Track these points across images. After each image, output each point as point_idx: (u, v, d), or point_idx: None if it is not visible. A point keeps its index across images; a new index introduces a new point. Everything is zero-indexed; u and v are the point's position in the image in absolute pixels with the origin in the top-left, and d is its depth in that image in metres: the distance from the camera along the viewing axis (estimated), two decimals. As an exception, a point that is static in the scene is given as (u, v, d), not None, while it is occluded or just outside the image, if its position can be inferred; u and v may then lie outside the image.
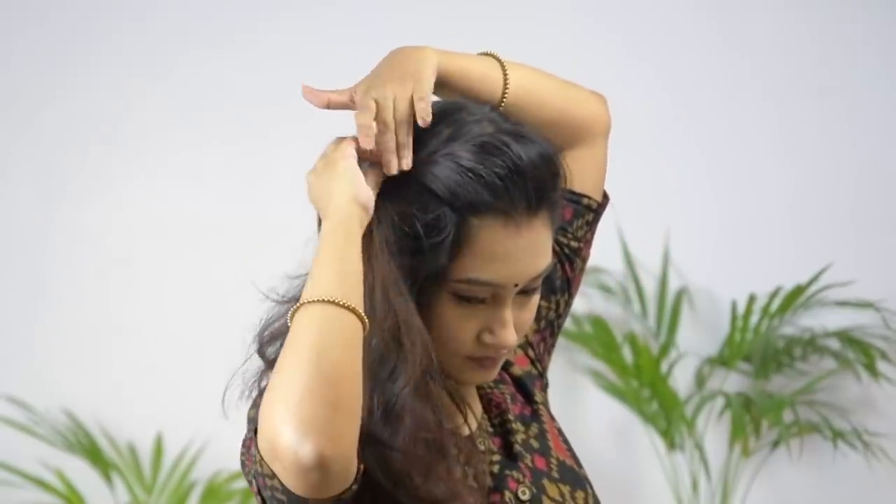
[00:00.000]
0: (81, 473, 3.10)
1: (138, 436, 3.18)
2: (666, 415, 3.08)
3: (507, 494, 1.32)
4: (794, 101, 3.17)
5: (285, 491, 1.15)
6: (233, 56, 3.19)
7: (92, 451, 3.08)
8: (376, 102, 1.26)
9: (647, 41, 3.19)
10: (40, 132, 3.18)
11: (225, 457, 3.14)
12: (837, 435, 2.93)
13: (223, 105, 3.18)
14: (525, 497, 1.32)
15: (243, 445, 1.26)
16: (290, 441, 1.12)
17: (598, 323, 3.12)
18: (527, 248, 1.27)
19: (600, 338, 3.10)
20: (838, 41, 3.17)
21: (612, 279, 3.21)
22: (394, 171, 1.26)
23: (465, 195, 1.24)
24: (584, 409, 3.22)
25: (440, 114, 1.28)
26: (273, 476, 1.15)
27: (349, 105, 1.30)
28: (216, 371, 3.52)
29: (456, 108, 1.30)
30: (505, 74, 1.35)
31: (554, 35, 3.14)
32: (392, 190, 1.27)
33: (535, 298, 1.32)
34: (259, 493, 1.21)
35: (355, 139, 1.27)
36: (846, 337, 3.03)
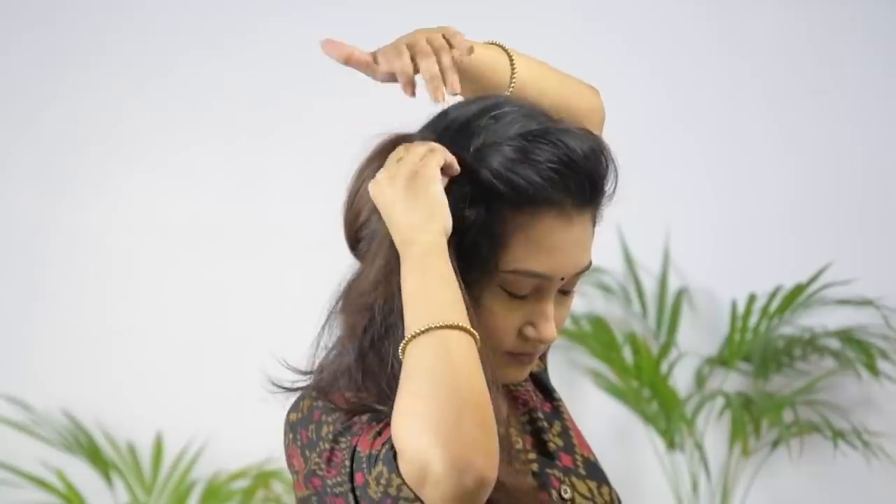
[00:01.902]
0: (81, 473, 3.10)
1: (138, 436, 3.18)
2: (666, 415, 3.08)
3: (553, 493, 1.32)
4: (794, 101, 3.17)
5: None
6: (233, 56, 3.19)
7: (92, 452, 3.08)
8: (407, 46, 1.27)
9: (647, 41, 3.19)
10: (40, 132, 3.18)
11: (225, 457, 3.14)
12: (837, 435, 2.92)
13: (223, 105, 3.18)
14: (567, 496, 1.33)
15: (320, 458, 1.25)
16: (448, 469, 1.12)
17: (598, 323, 3.12)
18: (575, 242, 1.27)
19: (600, 337, 3.10)
20: (838, 40, 3.17)
21: (612, 279, 3.21)
22: (441, 96, 1.25)
23: (519, 186, 1.24)
24: (584, 408, 3.21)
25: (480, 110, 1.28)
26: (415, 500, 1.16)
27: (370, 66, 1.31)
28: (216, 371, 3.54)
29: (495, 103, 1.29)
30: (512, 63, 1.36)
31: (554, 35, 3.14)
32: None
33: (572, 298, 1.33)
34: None
35: (436, 150, 1.25)
36: (846, 336, 3.03)
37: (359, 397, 1.26)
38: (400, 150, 1.27)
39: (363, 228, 1.31)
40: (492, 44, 1.38)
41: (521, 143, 1.25)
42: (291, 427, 1.29)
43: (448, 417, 1.13)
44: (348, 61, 1.32)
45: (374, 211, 1.29)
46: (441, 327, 1.18)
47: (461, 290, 1.22)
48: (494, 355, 1.28)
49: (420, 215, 1.22)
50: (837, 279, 3.08)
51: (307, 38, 3.28)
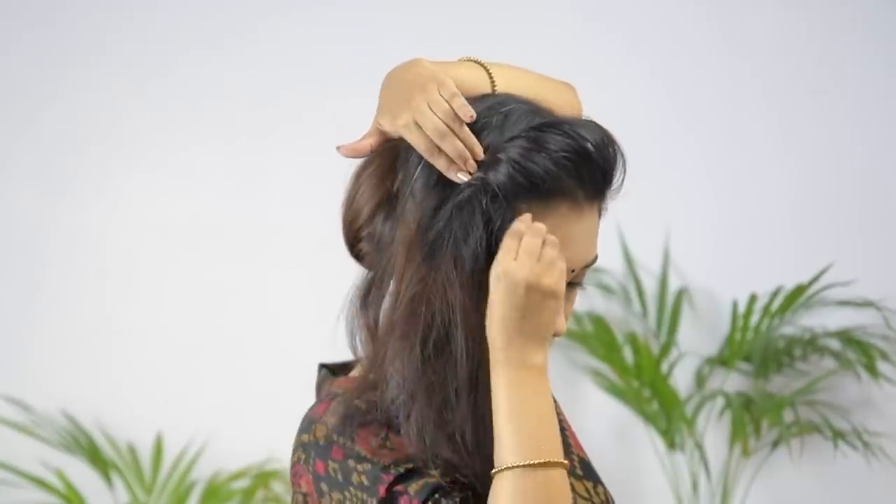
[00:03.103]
0: (81, 473, 3.11)
1: (138, 436, 3.18)
2: (666, 414, 3.08)
3: None
4: (795, 101, 3.17)
5: None
6: (232, 56, 3.19)
7: (92, 452, 3.08)
8: (415, 123, 1.26)
9: (647, 41, 3.19)
10: (40, 132, 3.18)
11: (225, 457, 3.14)
12: (837, 435, 2.92)
13: (223, 105, 3.18)
14: None
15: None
16: None
17: (599, 322, 3.12)
18: (585, 233, 1.29)
19: (600, 337, 3.10)
20: (838, 40, 3.17)
21: (612, 279, 3.21)
22: (472, 169, 1.25)
23: (535, 175, 1.25)
24: (584, 408, 3.21)
25: (488, 108, 1.29)
26: None
27: (386, 136, 1.31)
28: (216, 371, 3.53)
29: (500, 101, 1.31)
30: (490, 77, 1.36)
31: (554, 35, 3.14)
32: (452, 184, 1.27)
33: (577, 291, 1.34)
34: None
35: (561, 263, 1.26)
36: (846, 337, 3.03)
37: (388, 446, 1.26)
38: (533, 232, 1.25)
39: (363, 229, 1.31)
40: (466, 60, 1.38)
41: (535, 134, 1.26)
42: (303, 448, 1.30)
43: None
44: (371, 150, 1.32)
45: (377, 212, 1.30)
46: (552, 465, 1.21)
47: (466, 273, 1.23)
48: None
49: (542, 329, 1.23)
50: (838, 280, 3.08)
51: (307, 38, 3.31)
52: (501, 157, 1.26)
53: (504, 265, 1.23)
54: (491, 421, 1.24)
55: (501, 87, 1.36)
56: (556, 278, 1.24)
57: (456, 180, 1.26)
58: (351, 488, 1.25)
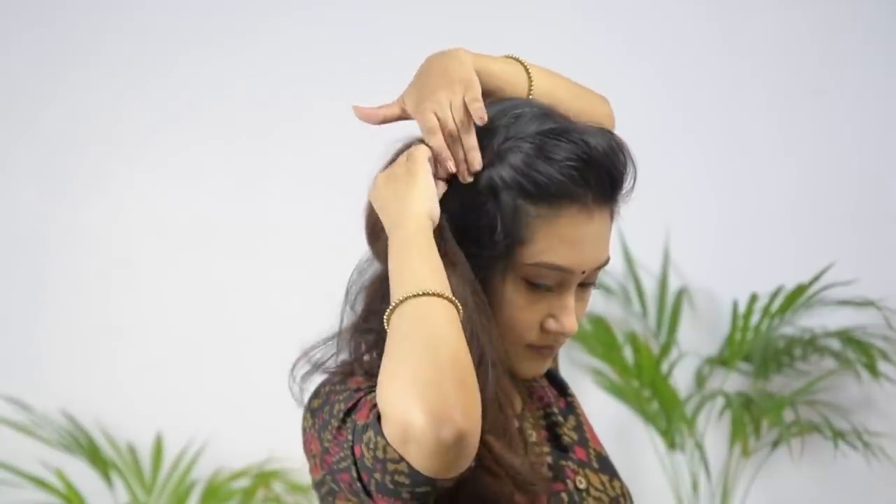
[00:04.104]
0: (81, 473, 3.10)
1: (138, 436, 3.18)
2: (666, 414, 3.08)
3: (569, 484, 1.38)
4: (795, 100, 3.17)
5: (412, 473, 1.18)
6: (232, 55, 3.19)
7: (92, 452, 3.08)
8: (436, 116, 1.31)
9: (647, 41, 3.19)
10: (40, 132, 3.18)
11: (225, 457, 3.14)
12: (838, 435, 2.92)
13: (223, 105, 3.18)
14: (582, 486, 1.39)
15: (331, 436, 1.28)
16: (427, 423, 1.15)
17: (599, 322, 3.12)
18: (596, 236, 1.31)
19: (601, 337, 3.10)
20: (838, 40, 3.17)
21: (612, 279, 3.21)
22: (468, 178, 1.31)
23: (540, 182, 1.28)
24: (584, 408, 3.21)
25: (500, 111, 1.33)
26: (399, 460, 1.18)
27: (403, 116, 1.36)
28: (216, 371, 3.53)
29: (514, 104, 1.34)
30: (529, 77, 1.40)
31: (554, 35, 3.14)
32: (461, 185, 1.31)
33: (591, 292, 1.37)
34: (354, 483, 1.25)
35: (422, 146, 1.32)
36: (846, 337, 3.03)
37: (370, 381, 1.30)
38: (402, 157, 1.33)
39: (382, 229, 1.34)
40: (509, 57, 1.42)
41: (540, 141, 1.29)
42: (312, 413, 1.33)
43: (426, 377, 1.17)
44: (384, 122, 1.39)
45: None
46: (417, 296, 1.22)
47: (467, 270, 1.28)
48: (516, 348, 1.34)
49: (406, 204, 1.28)
50: (838, 280, 3.08)
51: (307, 38, 3.31)
52: (507, 161, 1.29)
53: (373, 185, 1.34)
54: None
55: (537, 90, 1.39)
56: (400, 162, 1.32)
57: (456, 174, 1.31)
58: (332, 420, 1.28)
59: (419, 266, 1.24)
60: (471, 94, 1.31)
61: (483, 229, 1.29)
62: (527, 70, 1.40)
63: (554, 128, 1.30)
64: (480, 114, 1.29)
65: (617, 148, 1.31)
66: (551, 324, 1.33)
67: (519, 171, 1.28)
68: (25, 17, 3.17)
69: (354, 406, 1.26)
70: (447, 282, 1.25)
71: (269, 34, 3.19)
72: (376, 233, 1.35)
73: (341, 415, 1.27)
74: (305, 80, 3.16)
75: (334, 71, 3.14)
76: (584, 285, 1.35)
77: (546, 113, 1.32)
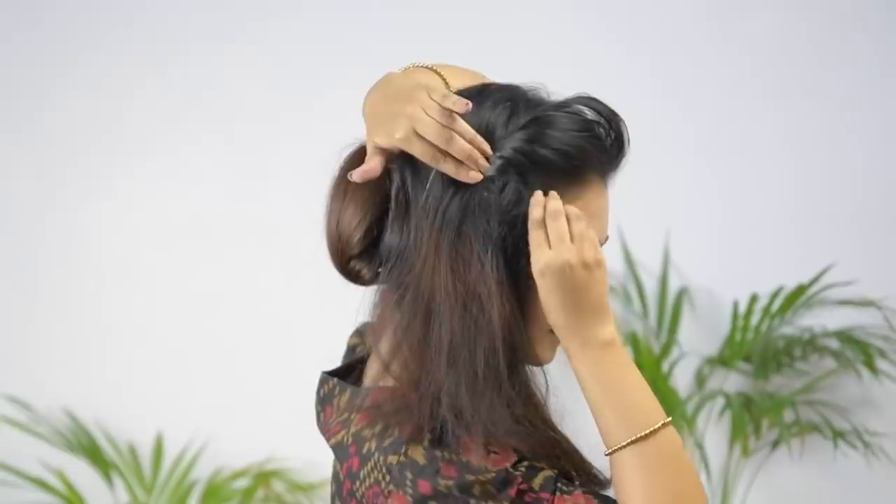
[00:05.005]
0: (81, 473, 3.11)
1: (138, 436, 3.18)
2: (666, 414, 3.07)
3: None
4: (796, 101, 3.17)
5: None
6: (233, 55, 3.19)
7: (92, 451, 3.08)
8: (415, 133, 1.23)
9: (647, 41, 3.19)
10: (40, 132, 3.18)
11: (225, 456, 3.14)
12: (838, 435, 2.92)
13: (223, 104, 3.18)
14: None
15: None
16: None
17: (599, 323, 3.11)
18: (608, 207, 1.29)
19: (600, 337, 3.10)
20: (839, 40, 3.17)
21: (612, 279, 3.21)
22: (487, 163, 1.23)
23: (575, 155, 1.24)
24: (584, 407, 3.21)
25: (483, 94, 1.28)
26: None
27: (387, 153, 1.27)
28: (216, 371, 3.53)
29: (504, 86, 1.29)
30: (445, 81, 1.33)
31: (554, 35, 3.14)
32: (484, 179, 1.25)
33: None
34: None
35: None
36: (846, 336, 3.03)
37: (500, 446, 1.23)
38: (565, 222, 1.24)
39: (356, 247, 1.30)
40: (417, 67, 1.35)
41: (554, 116, 1.24)
42: (388, 469, 1.25)
43: None
44: (379, 170, 1.27)
45: (376, 227, 1.29)
46: (665, 425, 1.24)
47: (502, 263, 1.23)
48: (542, 334, 1.32)
49: (597, 313, 1.25)
50: (839, 280, 3.08)
51: (307, 37, 3.31)
52: (535, 140, 1.24)
53: (542, 259, 1.22)
54: (535, 399, 1.28)
55: (453, 89, 1.33)
56: (593, 249, 1.23)
57: (468, 180, 1.23)
58: (472, 500, 1.21)
59: (641, 389, 1.25)
60: (436, 94, 1.23)
61: (517, 218, 1.23)
62: (440, 74, 1.33)
63: (566, 103, 1.26)
64: (461, 104, 1.21)
65: (613, 112, 1.27)
66: None
67: (546, 147, 1.23)
68: (25, 17, 3.17)
69: (517, 497, 1.21)
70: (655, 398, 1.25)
71: (270, 34, 3.19)
72: (349, 253, 1.29)
73: (491, 502, 1.21)
74: (305, 80, 3.16)
75: (334, 70, 3.14)
76: None
77: (528, 94, 1.28)
